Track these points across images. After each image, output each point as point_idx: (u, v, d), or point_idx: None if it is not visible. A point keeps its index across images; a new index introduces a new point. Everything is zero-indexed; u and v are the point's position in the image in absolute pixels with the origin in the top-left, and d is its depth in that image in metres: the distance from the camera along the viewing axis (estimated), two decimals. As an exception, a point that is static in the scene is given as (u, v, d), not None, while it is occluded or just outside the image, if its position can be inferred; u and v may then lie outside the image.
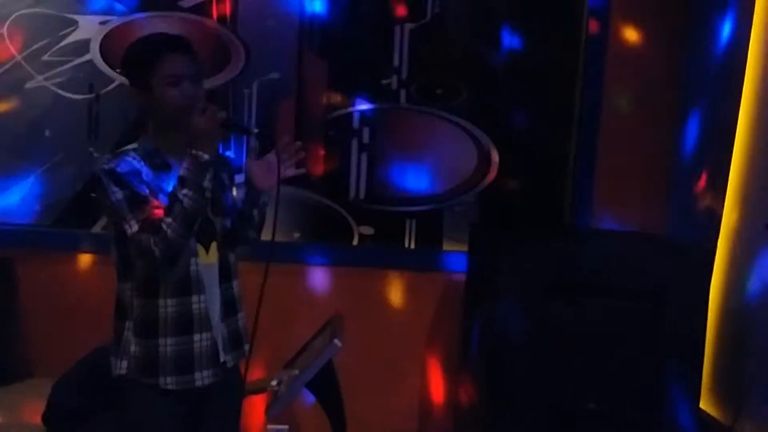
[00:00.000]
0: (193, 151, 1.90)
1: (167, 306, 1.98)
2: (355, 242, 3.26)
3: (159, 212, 1.90)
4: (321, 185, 3.23)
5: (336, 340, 2.44)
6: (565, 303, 2.60)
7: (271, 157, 2.08)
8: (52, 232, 3.20)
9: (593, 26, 3.13)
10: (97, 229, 3.20)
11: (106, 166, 1.93)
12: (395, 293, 3.27)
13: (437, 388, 3.31)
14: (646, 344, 2.59)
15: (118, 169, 1.92)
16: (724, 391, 2.74)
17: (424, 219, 3.26)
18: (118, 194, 1.91)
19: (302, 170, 2.13)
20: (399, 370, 3.26)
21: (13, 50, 3.13)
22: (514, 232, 3.01)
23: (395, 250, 3.26)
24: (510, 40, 3.18)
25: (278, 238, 3.08)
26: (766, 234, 2.55)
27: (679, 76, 3.13)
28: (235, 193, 2.19)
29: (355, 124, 3.21)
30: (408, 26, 3.15)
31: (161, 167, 1.99)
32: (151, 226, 1.88)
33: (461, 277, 3.12)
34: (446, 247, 3.26)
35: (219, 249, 2.07)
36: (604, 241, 2.90)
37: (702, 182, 2.96)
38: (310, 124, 3.19)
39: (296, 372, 2.57)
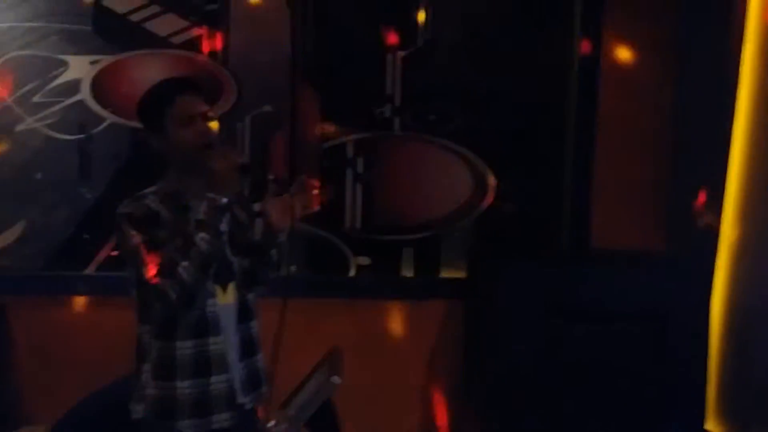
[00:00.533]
0: (211, 195, 1.91)
1: (184, 348, 1.97)
2: (352, 273, 3.23)
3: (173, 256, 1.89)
4: (316, 216, 3.17)
5: (334, 377, 2.41)
6: (567, 328, 2.60)
7: (287, 197, 2.10)
8: (45, 276, 3.14)
9: (585, 47, 3.15)
10: (90, 270, 3.16)
11: (124, 210, 1.95)
12: (395, 324, 3.23)
13: (441, 418, 3.26)
14: (650, 366, 2.58)
15: (136, 213, 1.94)
16: (729, 410, 2.72)
17: (422, 246, 3.23)
18: (136, 238, 1.92)
19: (316, 208, 2.16)
20: (401, 402, 3.21)
21: (3, 93, 3.11)
22: (513, 257, 2.99)
23: (393, 279, 3.23)
24: (502, 63, 3.19)
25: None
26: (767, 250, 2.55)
27: (673, 92, 3.15)
28: (256, 228, 2.19)
29: (350, 153, 3.20)
30: (399, 54, 3.16)
31: (181, 209, 1.99)
32: (167, 269, 1.88)
33: (461, 304, 3.09)
34: (444, 274, 3.24)
35: (237, 289, 2.07)
36: (604, 264, 2.90)
37: (700, 199, 2.96)
38: (304, 155, 3.17)
39: (293, 411, 2.52)
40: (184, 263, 1.87)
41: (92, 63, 3.11)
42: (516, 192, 3.23)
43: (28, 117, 3.12)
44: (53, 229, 3.16)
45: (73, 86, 3.12)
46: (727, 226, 2.78)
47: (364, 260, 3.24)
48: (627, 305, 2.61)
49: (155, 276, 1.89)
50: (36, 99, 3.11)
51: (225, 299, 2.03)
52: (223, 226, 1.92)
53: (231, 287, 2.04)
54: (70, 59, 3.10)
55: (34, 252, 3.16)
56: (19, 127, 3.12)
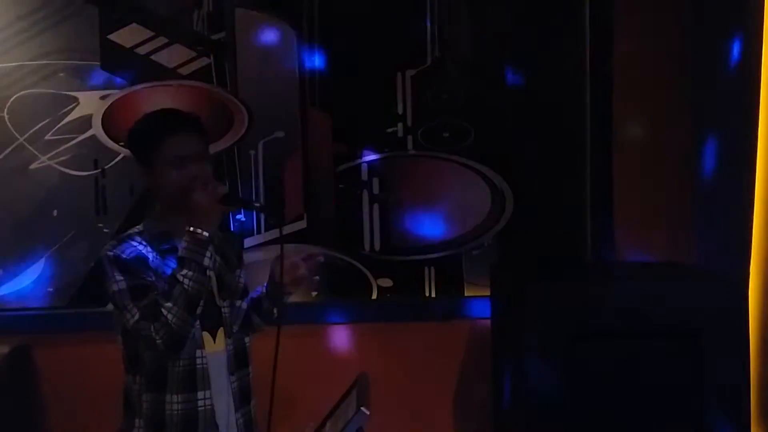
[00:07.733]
0: (191, 228, 1.82)
1: (173, 402, 1.89)
2: (374, 296, 3.18)
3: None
4: (334, 240, 3.16)
5: (363, 408, 2.33)
6: (596, 347, 2.50)
7: (296, 258, 2.03)
8: (68, 314, 3.13)
9: (597, 56, 3.07)
10: (111, 306, 3.14)
11: (110, 252, 1.86)
12: (420, 346, 3.16)
13: (472, 441, 3.19)
14: (686, 385, 2.47)
15: (123, 256, 1.84)
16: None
17: (443, 266, 3.18)
18: (122, 283, 1.83)
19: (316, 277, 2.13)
20: (429, 424, 3.15)
21: (15, 132, 3.11)
22: (537, 272, 2.92)
23: (416, 300, 3.17)
24: (513, 76, 3.14)
25: (295, 298, 2.99)
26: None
27: (691, 99, 3.05)
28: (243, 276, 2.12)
29: (364, 175, 3.16)
30: (409, 72, 3.11)
31: (168, 251, 1.90)
32: (151, 312, 1.79)
33: (486, 323, 3.02)
34: (468, 292, 3.18)
35: (230, 334, 1.98)
36: (632, 277, 2.80)
37: (726, 205, 2.86)
38: (318, 179, 3.14)
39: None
40: (168, 304, 1.77)
41: (102, 98, 3.10)
42: (536, 205, 3.15)
43: (42, 155, 3.11)
44: (74, 266, 3.14)
45: (85, 122, 3.10)
46: (758, 231, 2.67)
47: (386, 282, 3.19)
48: (659, 320, 2.50)
49: (139, 320, 1.80)
50: (48, 137, 3.10)
51: (214, 347, 1.93)
52: (206, 261, 1.81)
53: (220, 334, 1.95)
54: (80, 95, 3.10)
55: (55, 289, 3.15)
56: (33, 166, 3.11)
